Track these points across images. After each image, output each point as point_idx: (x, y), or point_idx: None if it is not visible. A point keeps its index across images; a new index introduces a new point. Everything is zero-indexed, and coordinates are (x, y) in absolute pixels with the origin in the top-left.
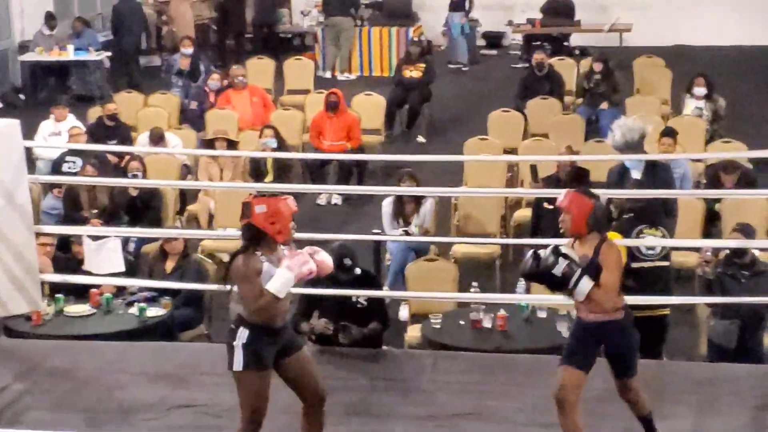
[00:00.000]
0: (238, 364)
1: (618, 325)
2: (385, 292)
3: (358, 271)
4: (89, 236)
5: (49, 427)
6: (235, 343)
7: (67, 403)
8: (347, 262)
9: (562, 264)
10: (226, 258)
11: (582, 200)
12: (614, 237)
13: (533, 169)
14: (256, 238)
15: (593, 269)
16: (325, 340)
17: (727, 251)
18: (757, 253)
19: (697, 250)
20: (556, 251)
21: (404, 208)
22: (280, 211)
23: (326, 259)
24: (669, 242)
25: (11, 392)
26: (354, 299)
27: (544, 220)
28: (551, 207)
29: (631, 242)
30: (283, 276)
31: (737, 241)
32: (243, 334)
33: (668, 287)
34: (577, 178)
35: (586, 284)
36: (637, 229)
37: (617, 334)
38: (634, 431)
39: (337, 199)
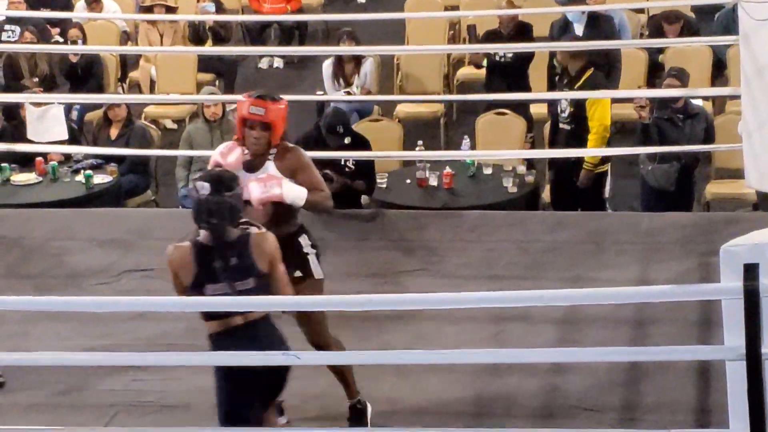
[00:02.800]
0: None
1: None
2: (360, 153)
3: (347, 140)
4: (31, 104)
5: None
6: None
7: (17, 270)
8: (340, 129)
9: None
10: (169, 124)
11: None
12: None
13: (471, 30)
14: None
15: None
16: None
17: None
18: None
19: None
20: None
21: (344, 69)
22: (238, 108)
23: (262, 189)
24: (608, 93)
25: None
26: (342, 162)
27: (494, 73)
28: (499, 61)
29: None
30: None
31: (673, 90)
32: None
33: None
34: (519, 33)
35: None
36: None
37: None
38: (582, 278)
39: (278, 63)
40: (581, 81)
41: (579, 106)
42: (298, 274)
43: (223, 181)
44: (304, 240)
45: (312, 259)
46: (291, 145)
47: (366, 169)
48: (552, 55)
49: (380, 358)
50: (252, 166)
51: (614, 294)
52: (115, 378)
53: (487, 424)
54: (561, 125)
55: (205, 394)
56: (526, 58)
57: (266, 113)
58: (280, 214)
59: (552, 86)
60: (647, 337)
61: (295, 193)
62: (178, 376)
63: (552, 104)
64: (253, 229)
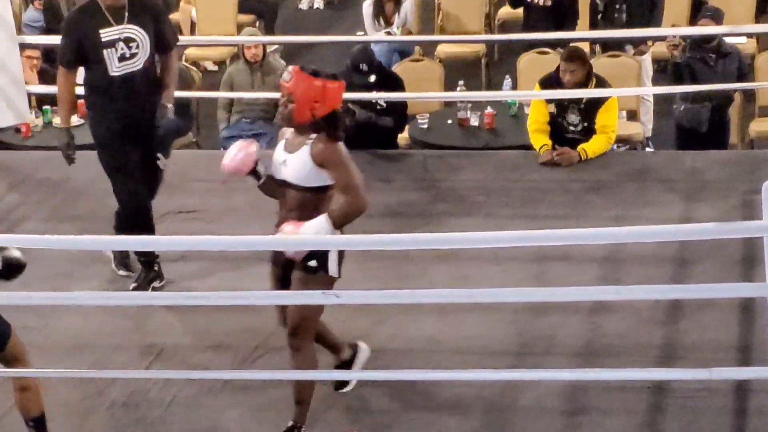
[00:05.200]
0: None
1: None
2: (386, 94)
3: (372, 78)
4: None
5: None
6: None
7: (61, 212)
8: (363, 67)
9: None
10: (210, 66)
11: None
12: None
13: None
14: None
15: None
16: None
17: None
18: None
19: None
20: None
21: (384, 8)
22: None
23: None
24: (647, 32)
25: (5, 204)
26: (374, 100)
27: (532, 16)
28: (536, 2)
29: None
30: None
31: (720, 27)
32: None
33: None
34: None
35: None
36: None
37: None
38: (625, 217)
39: (318, 3)
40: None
41: (590, 118)
42: (313, 263)
43: None
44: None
45: (332, 255)
46: (331, 139)
47: (397, 106)
48: None
49: (423, 297)
50: (289, 144)
51: (656, 232)
52: (158, 318)
53: (528, 363)
54: (570, 136)
55: (249, 334)
56: (567, 4)
57: (290, 82)
58: (305, 203)
59: (594, 25)
60: (690, 275)
61: (315, 230)
62: (223, 316)
63: (558, 119)
64: None
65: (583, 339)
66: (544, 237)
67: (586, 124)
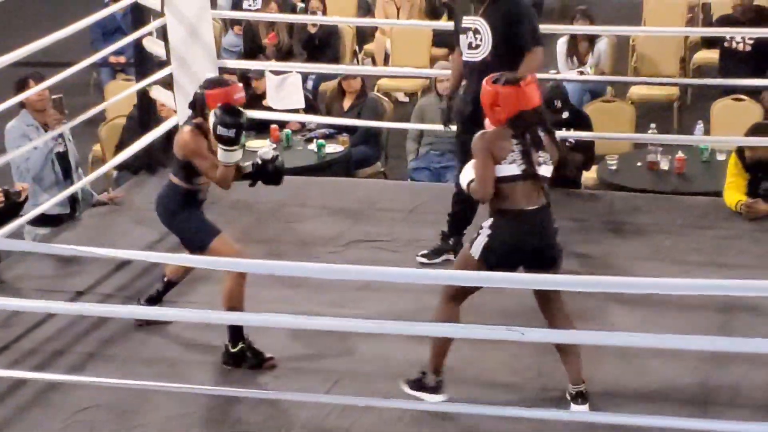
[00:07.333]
0: None
1: None
2: (578, 133)
3: (566, 114)
4: (271, 72)
5: None
6: None
7: (250, 234)
8: (557, 103)
9: None
10: (401, 97)
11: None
12: None
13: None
14: None
15: None
16: None
17: None
18: None
19: None
20: None
21: (578, 48)
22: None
23: None
24: None
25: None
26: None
27: (730, 61)
28: (735, 47)
29: None
30: None
31: None
32: None
33: None
34: (757, 18)
35: None
36: None
37: None
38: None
39: None
40: None
41: None
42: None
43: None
44: (487, 222)
45: (480, 239)
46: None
47: (586, 144)
48: None
49: (605, 340)
50: None
51: None
52: (338, 345)
53: (711, 413)
54: None
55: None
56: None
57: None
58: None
59: None
60: None
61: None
62: (399, 346)
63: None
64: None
65: None
66: (731, 287)
67: None
